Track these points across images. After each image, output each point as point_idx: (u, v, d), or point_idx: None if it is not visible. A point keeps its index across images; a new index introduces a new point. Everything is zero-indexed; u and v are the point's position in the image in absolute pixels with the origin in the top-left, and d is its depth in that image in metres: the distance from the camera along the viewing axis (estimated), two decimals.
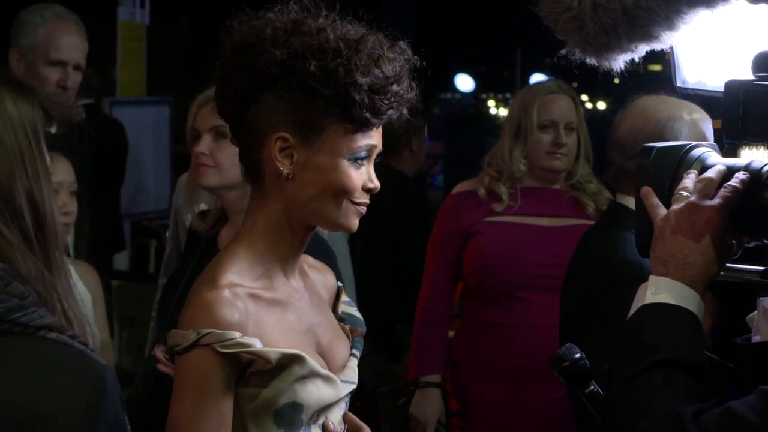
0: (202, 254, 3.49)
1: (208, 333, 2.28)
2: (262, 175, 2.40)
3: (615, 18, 2.14)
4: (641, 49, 2.21)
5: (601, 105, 19.44)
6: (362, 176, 2.39)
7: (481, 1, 15.32)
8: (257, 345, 2.30)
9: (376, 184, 2.42)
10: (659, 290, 2.12)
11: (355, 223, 2.42)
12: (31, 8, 4.57)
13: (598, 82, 18.30)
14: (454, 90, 18.48)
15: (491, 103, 19.71)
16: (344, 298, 2.65)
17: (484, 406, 4.57)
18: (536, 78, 16.77)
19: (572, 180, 4.61)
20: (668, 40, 2.19)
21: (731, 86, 2.20)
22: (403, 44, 2.41)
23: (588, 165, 4.63)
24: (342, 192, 2.36)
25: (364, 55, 2.32)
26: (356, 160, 2.37)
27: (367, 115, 2.33)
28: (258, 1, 2.47)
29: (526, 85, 16.78)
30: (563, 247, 4.32)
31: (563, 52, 2.23)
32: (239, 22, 2.40)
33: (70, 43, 4.54)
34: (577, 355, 2.42)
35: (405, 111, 2.41)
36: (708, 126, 3.44)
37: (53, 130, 4.40)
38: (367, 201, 2.42)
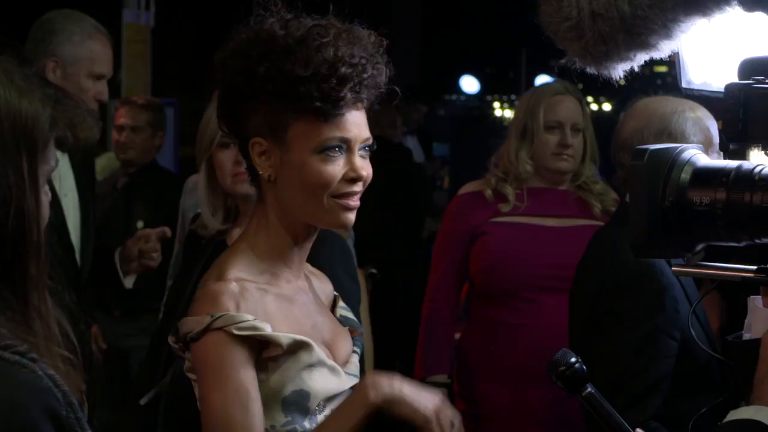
0: (210, 255, 3.52)
1: (221, 316, 2.33)
2: (257, 180, 2.48)
3: (613, 27, 2.17)
4: (639, 58, 2.24)
5: (607, 107, 19.42)
6: (339, 168, 2.40)
7: (486, 3, 15.33)
8: (269, 329, 2.36)
9: (359, 173, 2.42)
10: None
11: (343, 219, 2.44)
12: (64, 16, 4.54)
13: (603, 83, 18.25)
14: (459, 92, 18.49)
15: (496, 104, 19.72)
16: (341, 303, 2.70)
17: (492, 406, 4.57)
18: (541, 80, 16.77)
19: (578, 181, 4.62)
20: (666, 48, 2.22)
21: (732, 88, 2.23)
22: (358, 28, 2.43)
23: (594, 166, 4.64)
24: (318, 188, 2.40)
25: (306, 47, 2.35)
26: (327, 154, 2.39)
27: (318, 104, 2.36)
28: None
29: (531, 86, 16.78)
30: (569, 247, 4.33)
31: (563, 60, 2.26)
32: (229, 37, 2.47)
33: (109, 59, 4.58)
34: (573, 359, 2.45)
35: (372, 93, 2.43)
36: (712, 123, 3.47)
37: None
38: (355, 191, 2.43)
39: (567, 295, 4.19)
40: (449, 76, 17.56)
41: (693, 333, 2.83)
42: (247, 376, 2.36)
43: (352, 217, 2.45)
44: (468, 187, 4.79)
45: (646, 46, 2.19)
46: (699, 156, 2.21)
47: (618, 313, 3.41)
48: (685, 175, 2.17)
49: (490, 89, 19.79)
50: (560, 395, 4.27)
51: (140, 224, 6.22)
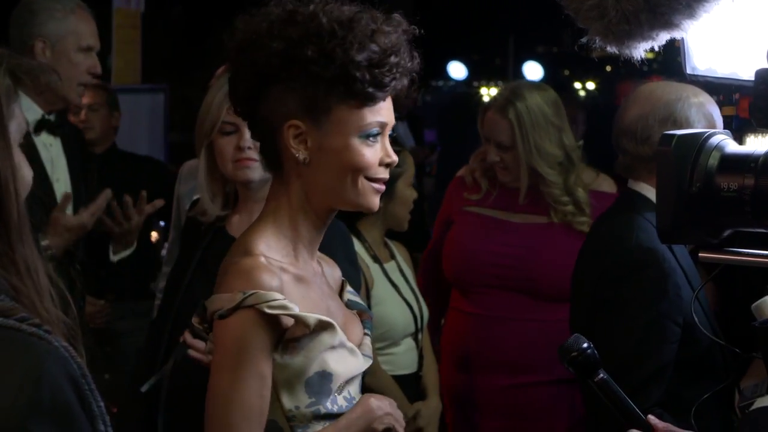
0: (210, 241, 3.49)
1: (253, 293, 2.33)
2: (281, 163, 2.47)
3: (637, 6, 2.15)
4: (662, 37, 2.22)
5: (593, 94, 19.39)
6: (377, 153, 2.44)
7: None
8: (296, 309, 2.36)
9: (393, 158, 2.46)
10: None
11: (375, 201, 2.47)
12: None
13: (589, 69, 18.37)
14: (447, 78, 18.50)
15: (484, 90, 19.71)
16: (348, 288, 2.72)
17: (452, 392, 4.67)
18: (528, 66, 16.77)
19: (549, 199, 4.58)
20: (689, 27, 2.19)
21: (763, 75, 2.20)
22: (398, 16, 2.45)
23: (553, 184, 4.53)
24: (357, 170, 2.42)
25: (359, 32, 2.37)
26: (368, 138, 2.42)
27: (370, 89, 2.38)
28: None
29: (518, 73, 16.78)
30: (523, 246, 4.49)
31: (584, 40, 2.23)
32: (241, 21, 2.46)
33: (94, 30, 4.54)
34: (585, 345, 2.45)
35: (407, 81, 2.45)
36: (714, 109, 3.46)
37: (52, 117, 4.39)
38: (386, 176, 2.47)
39: (511, 292, 4.44)
40: (437, 62, 17.56)
41: (696, 319, 2.83)
42: (266, 362, 2.36)
43: (378, 200, 2.48)
44: (459, 172, 4.85)
45: (669, 25, 2.16)
46: (727, 141, 2.19)
47: (620, 300, 3.39)
48: (713, 161, 2.17)
49: (477, 75, 19.79)
50: (508, 383, 4.40)
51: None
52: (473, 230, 4.63)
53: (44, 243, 4.17)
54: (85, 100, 6.49)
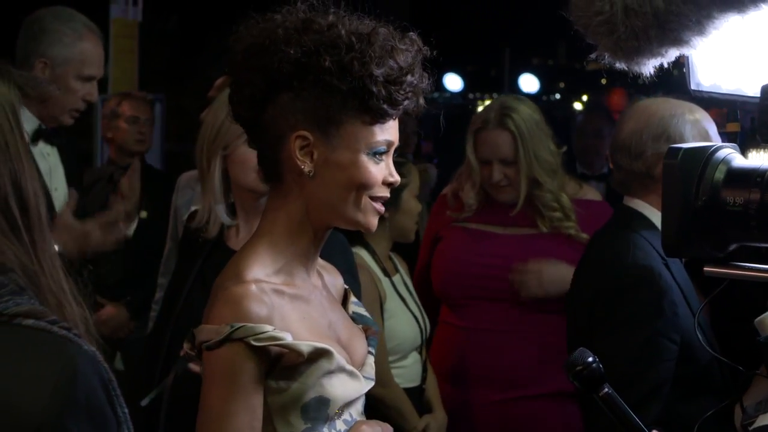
0: (209, 253, 3.47)
1: (240, 327, 2.28)
2: (281, 175, 2.41)
3: (646, 22, 2.14)
4: (671, 54, 2.21)
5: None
6: (382, 171, 2.40)
7: (470, 1, 15.35)
8: (288, 338, 2.31)
9: (396, 177, 2.43)
10: None
11: (373, 222, 2.42)
12: (54, 15, 4.46)
13: (584, 82, 18.39)
14: (443, 89, 18.49)
15: (479, 103, 19.72)
16: (353, 299, 2.67)
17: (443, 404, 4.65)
18: (524, 78, 16.79)
19: (539, 203, 4.57)
20: (698, 44, 2.19)
21: None
22: (413, 35, 2.41)
23: (548, 191, 4.53)
24: (362, 187, 2.37)
25: (377, 47, 2.32)
26: (375, 155, 2.38)
27: (385, 106, 2.34)
28: (257, 2, 2.47)
29: (513, 85, 16.78)
30: (509, 256, 4.48)
31: (593, 56, 2.23)
32: (247, 26, 2.41)
33: (100, 59, 4.50)
34: (590, 359, 2.43)
35: (421, 100, 2.42)
36: (710, 126, 3.46)
37: (42, 126, 4.37)
38: (387, 196, 2.43)
39: (497, 303, 4.44)
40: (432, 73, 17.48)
41: (699, 336, 2.81)
42: (257, 394, 2.33)
43: (377, 221, 2.44)
44: (444, 191, 4.87)
45: (678, 42, 2.16)
46: (733, 155, 2.19)
47: (617, 317, 3.39)
48: (719, 175, 2.16)
49: (473, 87, 19.78)
50: (492, 399, 4.40)
51: (144, 214, 6.29)
52: (460, 244, 4.63)
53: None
54: (142, 114, 6.58)
